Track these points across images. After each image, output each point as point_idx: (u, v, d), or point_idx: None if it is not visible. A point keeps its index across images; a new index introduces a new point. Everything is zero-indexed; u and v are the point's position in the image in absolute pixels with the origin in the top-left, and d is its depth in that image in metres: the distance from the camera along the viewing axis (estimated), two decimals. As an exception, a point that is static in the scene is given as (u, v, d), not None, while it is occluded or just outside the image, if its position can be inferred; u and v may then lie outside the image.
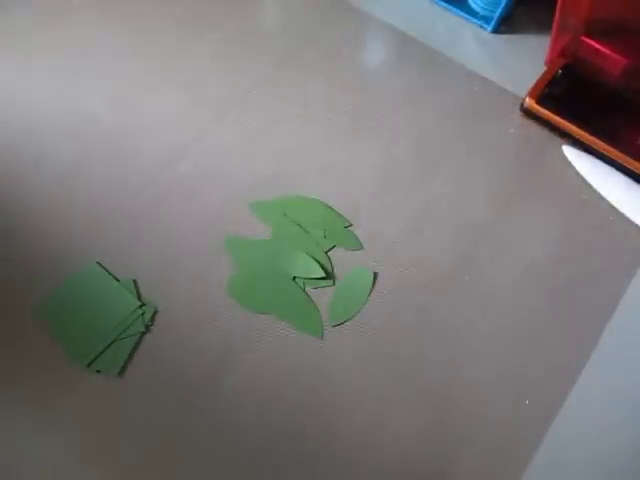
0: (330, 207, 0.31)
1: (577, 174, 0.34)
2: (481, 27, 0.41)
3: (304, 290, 0.30)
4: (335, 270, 0.30)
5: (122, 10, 0.39)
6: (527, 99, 0.35)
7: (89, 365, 0.27)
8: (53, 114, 0.34)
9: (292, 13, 0.40)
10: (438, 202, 0.33)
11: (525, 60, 0.39)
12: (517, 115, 0.36)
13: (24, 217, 0.30)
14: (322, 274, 0.30)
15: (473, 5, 0.40)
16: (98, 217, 0.30)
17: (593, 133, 0.34)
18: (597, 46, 0.35)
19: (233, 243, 0.31)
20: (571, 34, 0.35)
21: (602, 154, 0.34)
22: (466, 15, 0.41)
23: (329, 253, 0.31)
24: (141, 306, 0.28)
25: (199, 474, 0.25)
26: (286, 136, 0.34)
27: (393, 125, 0.35)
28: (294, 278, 0.30)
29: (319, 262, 0.30)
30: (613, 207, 0.33)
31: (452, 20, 0.41)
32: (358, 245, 0.31)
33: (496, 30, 0.41)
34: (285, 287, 0.29)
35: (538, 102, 0.35)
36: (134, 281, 0.29)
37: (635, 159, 0.33)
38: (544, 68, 0.37)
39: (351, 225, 0.31)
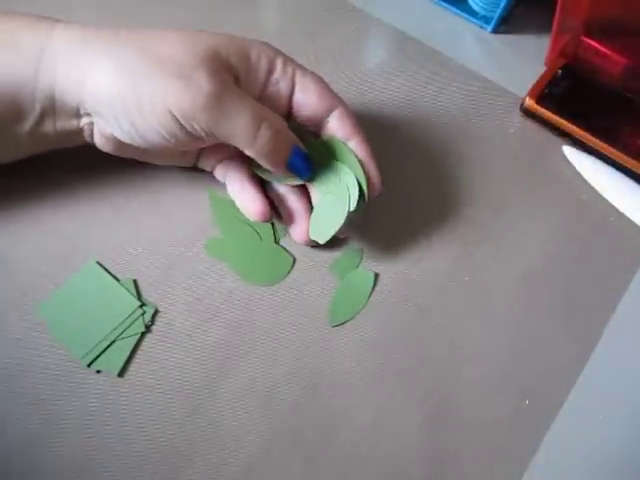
0: None
1: (577, 174, 0.34)
2: (481, 27, 0.41)
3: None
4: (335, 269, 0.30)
5: (122, 11, 0.39)
6: (527, 99, 0.35)
7: (89, 365, 0.27)
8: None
9: (292, 13, 0.40)
10: (437, 202, 0.33)
11: (525, 60, 0.39)
12: (517, 115, 0.36)
13: (24, 216, 0.30)
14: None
15: (473, 5, 0.40)
16: (98, 217, 0.30)
17: (593, 133, 0.34)
18: (597, 46, 0.35)
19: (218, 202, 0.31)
20: (571, 34, 0.35)
21: (602, 154, 0.34)
22: (466, 15, 0.41)
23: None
24: (141, 306, 0.28)
25: (199, 474, 0.25)
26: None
27: (392, 125, 0.35)
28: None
29: None
30: (613, 207, 0.33)
31: (452, 20, 0.41)
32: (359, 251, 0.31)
33: (496, 30, 0.41)
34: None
35: (538, 102, 0.35)
36: (134, 281, 0.29)
37: (635, 159, 0.33)
38: (544, 68, 0.37)
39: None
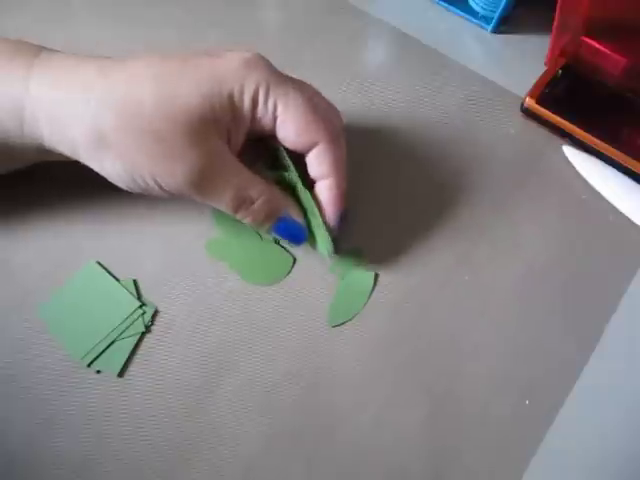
0: None
1: (577, 174, 0.34)
2: (481, 27, 0.41)
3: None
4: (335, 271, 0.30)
5: (122, 12, 0.39)
6: (527, 99, 0.35)
7: (89, 365, 0.27)
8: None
9: (292, 13, 0.40)
10: (437, 202, 0.33)
11: (525, 60, 0.39)
12: (517, 115, 0.36)
13: (24, 218, 0.30)
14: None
15: (473, 5, 0.40)
16: (98, 217, 0.30)
17: (593, 133, 0.34)
18: (597, 46, 0.35)
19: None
20: (571, 34, 0.35)
21: (602, 154, 0.34)
22: (466, 15, 0.41)
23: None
24: (141, 306, 0.28)
25: (199, 474, 0.25)
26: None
27: (392, 125, 0.35)
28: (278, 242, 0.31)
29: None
30: (613, 207, 0.33)
31: (452, 20, 0.41)
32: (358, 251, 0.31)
33: (496, 30, 0.41)
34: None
35: (538, 102, 0.35)
36: (134, 281, 0.29)
37: (635, 159, 0.33)
38: (544, 68, 0.37)
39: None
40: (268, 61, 0.26)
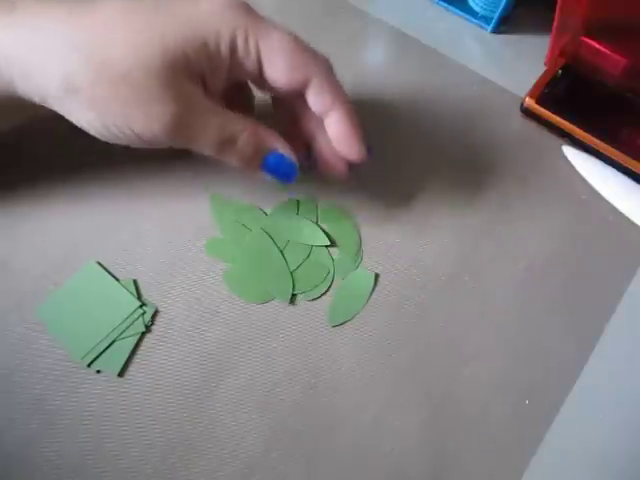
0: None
1: (577, 174, 0.34)
2: (481, 27, 0.41)
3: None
4: (335, 271, 0.30)
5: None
6: (527, 99, 0.35)
7: (89, 365, 0.27)
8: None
9: (292, 13, 0.40)
10: (437, 202, 0.33)
11: (525, 60, 0.39)
12: (517, 115, 0.36)
13: (24, 218, 0.30)
14: (327, 242, 0.30)
15: (473, 5, 0.40)
16: (98, 217, 0.30)
17: (593, 133, 0.34)
18: (597, 46, 0.35)
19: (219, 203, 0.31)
20: (571, 34, 0.35)
21: (602, 154, 0.34)
22: (466, 15, 0.41)
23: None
24: (141, 306, 0.28)
25: (198, 474, 0.25)
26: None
27: (391, 125, 0.35)
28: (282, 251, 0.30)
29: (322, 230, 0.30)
30: (613, 207, 0.33)
31: (452, 20, 0.41)
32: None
33: (496, 30, 0.41)
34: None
35: (538, 102, 0.35)
36: (134, 281, 0.29)
37: (635, 159, 0.33)
38: (544, 68, 0.37)
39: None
40: (247, 4, 0.25)
